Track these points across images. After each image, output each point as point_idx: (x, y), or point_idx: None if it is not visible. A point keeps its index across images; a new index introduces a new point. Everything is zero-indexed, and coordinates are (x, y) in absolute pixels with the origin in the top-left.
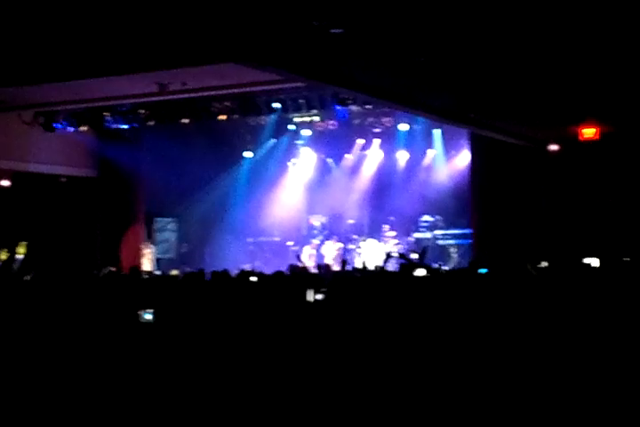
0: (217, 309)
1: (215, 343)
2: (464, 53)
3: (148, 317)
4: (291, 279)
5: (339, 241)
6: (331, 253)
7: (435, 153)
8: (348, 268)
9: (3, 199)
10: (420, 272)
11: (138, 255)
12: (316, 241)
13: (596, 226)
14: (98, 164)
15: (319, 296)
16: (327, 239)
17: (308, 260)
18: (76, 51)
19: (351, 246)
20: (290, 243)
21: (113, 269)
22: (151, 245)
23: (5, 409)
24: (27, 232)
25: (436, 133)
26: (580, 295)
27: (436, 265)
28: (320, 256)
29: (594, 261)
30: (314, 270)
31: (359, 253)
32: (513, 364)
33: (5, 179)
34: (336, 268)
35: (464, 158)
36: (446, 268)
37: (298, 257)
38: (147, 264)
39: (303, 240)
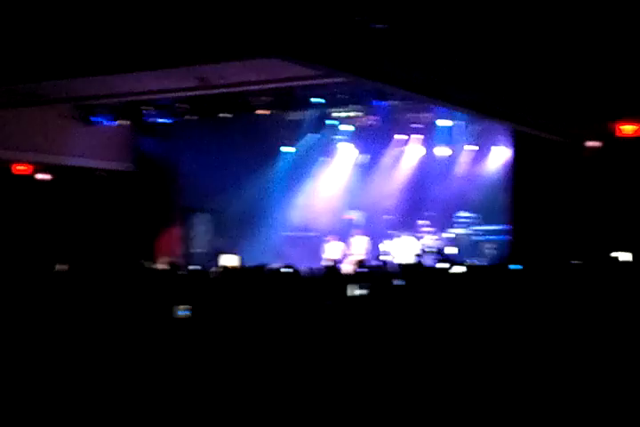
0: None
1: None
2: (503, 48)
3: (185, 313)
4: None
5: (366, 235)
6: (360, 247)
7: (470, 149)
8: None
9: (43, 192)
10: (458, 269)
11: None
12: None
13: (634, 224)
14: (135, 157)
15: (358, 292)
16: (360, 234)
17: (336, 254)
18: (116, 45)
19: (386, 242)
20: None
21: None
22: None
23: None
24: (65, 225)
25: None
26: (612, 292)
27: (471, 261)
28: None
29: (627, 257)
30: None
31: (391, 249)
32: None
33: (46, 172)
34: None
35: (501, 154)
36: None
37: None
38: None
39: (340, 236)
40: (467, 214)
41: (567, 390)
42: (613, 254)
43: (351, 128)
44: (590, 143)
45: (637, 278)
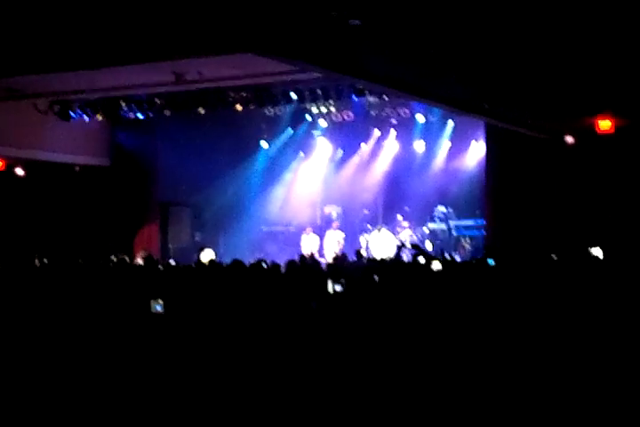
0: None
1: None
2: (480, 44)
3: (159, 308)
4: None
5: (341, 230)
6: (333, 242)
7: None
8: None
9: (17, 188)
10: (436, 265)
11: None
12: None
13: (609, 219)
14: (112, 152)
15: (338, 288)
16: (337, 229)
17: (311, 249)
18: (92, 39)
19: (365, 236)
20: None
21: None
22: None
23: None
24: (40, 220)
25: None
26: (584, 287)
27: (448, 256)
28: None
29: (598, 252)
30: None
31: (368, 243)
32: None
33: (19, 167)
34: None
35: (479, 149)
36: (458, 258)
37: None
38: None
39: (318, 230)
40: (445, 209)
41: (549, 382)
42: (593, 252)
43: (328, 123)
44: (569, 139)
45: (610, 273)
